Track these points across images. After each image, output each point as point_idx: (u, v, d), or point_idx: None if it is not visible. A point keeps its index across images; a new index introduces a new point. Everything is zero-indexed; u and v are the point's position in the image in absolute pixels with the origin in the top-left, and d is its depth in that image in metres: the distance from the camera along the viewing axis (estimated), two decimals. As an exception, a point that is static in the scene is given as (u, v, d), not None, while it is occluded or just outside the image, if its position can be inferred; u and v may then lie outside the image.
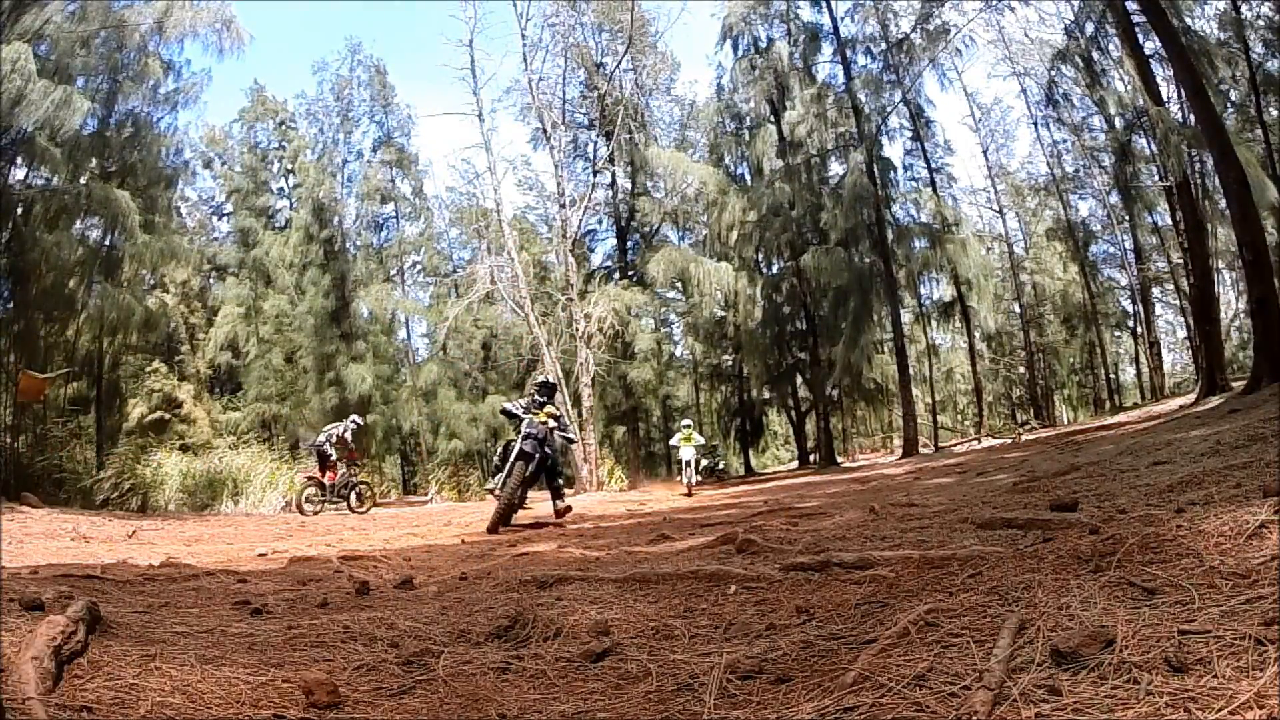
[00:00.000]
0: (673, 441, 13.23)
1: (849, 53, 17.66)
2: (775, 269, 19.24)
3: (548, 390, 7.04)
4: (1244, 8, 13.35)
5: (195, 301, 22.54)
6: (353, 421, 11.40)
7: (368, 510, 10.72)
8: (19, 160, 11.99)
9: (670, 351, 22.75)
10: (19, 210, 11.92)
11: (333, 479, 10.60)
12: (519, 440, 6.28)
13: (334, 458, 10.71)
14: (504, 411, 6.73)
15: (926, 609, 1.36)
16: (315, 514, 9.89)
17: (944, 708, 0.98)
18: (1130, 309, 20.02)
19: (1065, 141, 18.36)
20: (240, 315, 21.21)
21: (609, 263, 21.92)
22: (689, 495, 11.09)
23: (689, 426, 12.92)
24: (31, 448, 12.25)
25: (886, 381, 18.26)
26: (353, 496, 10.82)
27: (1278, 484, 1.89)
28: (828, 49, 18.23)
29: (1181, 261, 15.37)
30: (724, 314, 20.13)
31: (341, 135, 22.42)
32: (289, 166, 22.72)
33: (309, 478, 10.73)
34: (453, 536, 5.42)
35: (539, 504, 7.25)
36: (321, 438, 11.06)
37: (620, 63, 20.33)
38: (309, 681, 1.28)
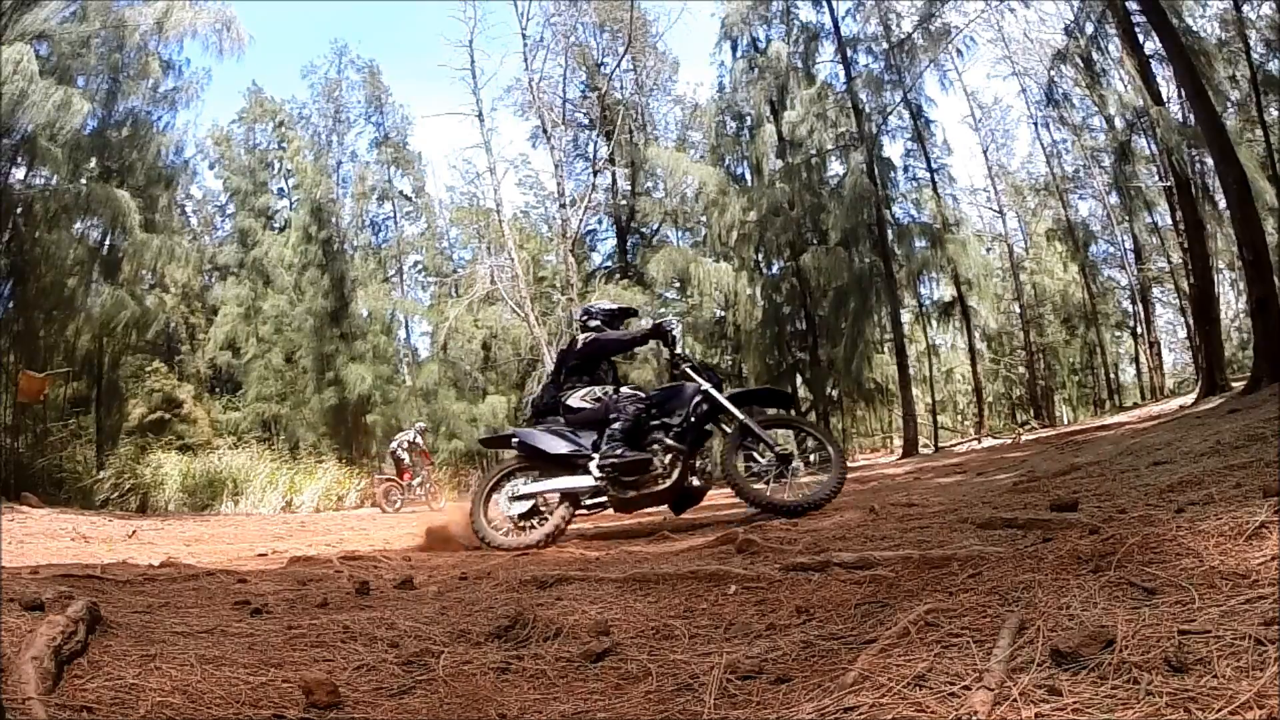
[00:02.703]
0: None
1: (850, 52, 17.65)
2: (775, 269, 19.24)
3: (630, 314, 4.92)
4: (1245, 8, 13.35)
5: (195, 301, 22.56)
6: (417, 429, 12.72)
7: (443, 505, 11.64)
8: (19, 160, 11.99)
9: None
10: (19, 210, 11.92)
11: (409, 479, 11.83)
12: (701, 387, 4.17)
13: (407, 461, 11.98)
14: (617, 342, 4.52)
15: (926, 609, 1.36)
16: (396, 510, 10.93)
17: (944, 708, 0.98)
18: (1130, 309, 20.03)
19: (1065, 141, 18.37)
20: (240, 315, 21.21)
21: (609, 263, 21.94)
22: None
23: None
24: (31, 448, 12.24)
25: (886, 381, 18.25)
26: (425, 494, 11.90)
27: (1278, 484, 1.89)
28: (828, 48, 18.24)
29: (1181, 261, 15.36)
30: (724, 314, 20.12)
31: (335, 137, 22.47)
32: (289, 167, 22.74)
33: (387, 479, 11.96)
34: (453, 536, 5.41)
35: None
36: (393, 445, 12.35)
37: (620, 63, 20.36)
38: (309, 681, 1.28)
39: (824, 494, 3.90)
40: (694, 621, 1.67)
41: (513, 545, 3.98)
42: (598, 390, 4.39)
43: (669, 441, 4.16)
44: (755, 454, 4.19)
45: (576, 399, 4.39)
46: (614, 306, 4.82)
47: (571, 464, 4.24)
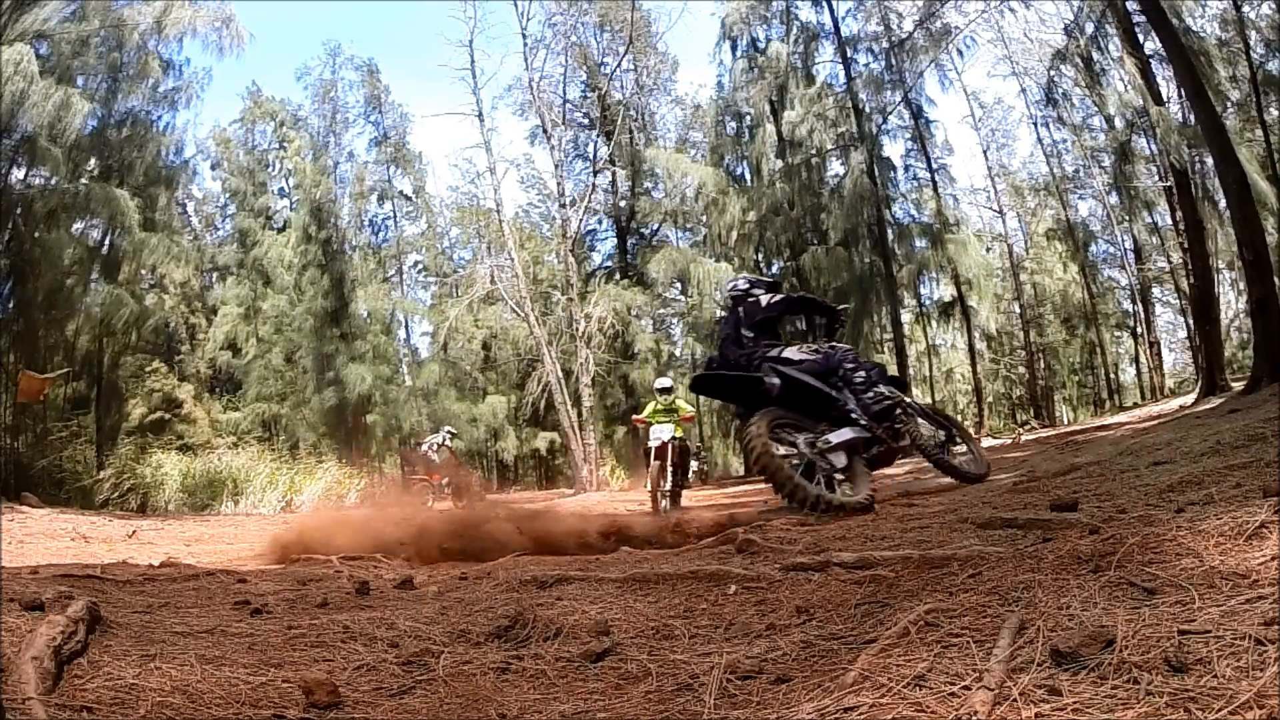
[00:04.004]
0: (643, 415, 8.13)
1: (850, 52, 17.67)
2: (775, 269, 19.23)
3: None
4: (1245, 7, 13.35)
5: (195, 301, 22.56)
6: (446, 432, 13.31)
7: (467, 505, 12.24)
8: (19, 160, 12.00)
9: (670, 351, 22.73)
10: (19, 210, 11.93)
11: (438, 479, 12.28)
12: (884, 365, 4.48)
13: (437, 462, 12.49)
14: (804, 301, 4.65)
15: (926, 609, 1.36)
16: (429, 509, 11.30)
17: (944, 708, 0.98)
18: (1130, 309, 20.02)
19: (1065, 141, 18.35)
20: (240, 315, 21.21)
21: (609, 263, 21.92)
22: (655, 511, 6.88)
23: (670, 392, 7.95)
24: (31, 448, 12.26)
25: (886, 381, 18.25)
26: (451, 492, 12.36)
27: (1278, 484, 1.89)
28: (828, 48, 18.25)
29: (1181, 261, 15.36)
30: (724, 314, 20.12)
31: (333, 137, 22.43)
32: (289, 167, 22.71)
33: (420, 479, 12.52)
34: (453, 536, 5.39)
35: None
36: (424, 447, 12.94)
37: (620, 63, 20.36)
38: (309, 681, 1.28)
39: (983, 470, 4.45)
40: (694, 621, 1.67)
41: (858, 502, 3.56)
42: (812, 344, 4.24)
43: (891, 391, 4.14)
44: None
45: (794, 352, 4.10)
46: (769, 279, 4.82)
47: (827, 411, 3.96)
